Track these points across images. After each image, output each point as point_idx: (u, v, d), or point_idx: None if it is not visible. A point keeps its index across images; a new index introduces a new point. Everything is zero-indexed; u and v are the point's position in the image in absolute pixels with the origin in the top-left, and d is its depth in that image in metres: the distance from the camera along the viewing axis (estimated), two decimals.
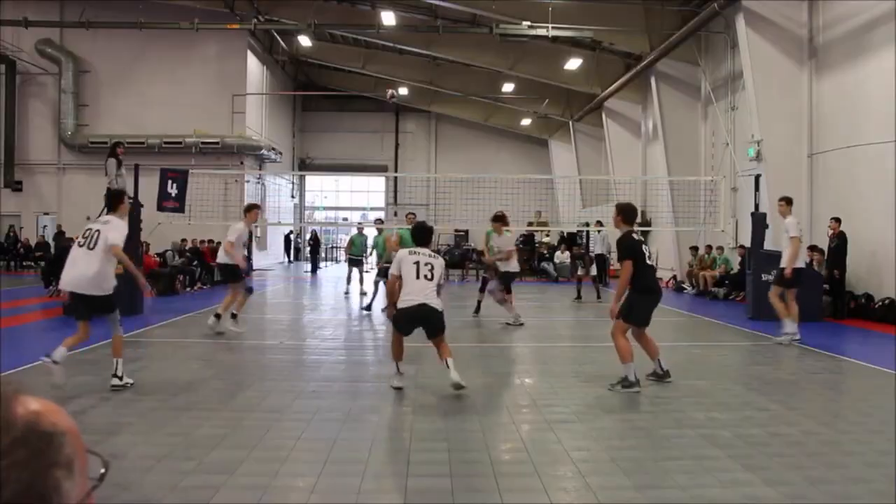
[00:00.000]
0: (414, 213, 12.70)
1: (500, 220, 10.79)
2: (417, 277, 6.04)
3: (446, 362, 6.01)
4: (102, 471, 0.79)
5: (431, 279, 6.08)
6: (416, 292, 6.00)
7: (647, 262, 6.27)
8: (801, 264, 9.23)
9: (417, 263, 6.08)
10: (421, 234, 6.53)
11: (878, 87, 11.86)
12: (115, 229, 6.24)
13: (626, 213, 6.43)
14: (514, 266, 10.75)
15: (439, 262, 6.25)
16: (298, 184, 32.57)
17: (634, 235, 6.32)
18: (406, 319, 6.10)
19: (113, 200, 6.61)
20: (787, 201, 9.29)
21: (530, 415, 5.52)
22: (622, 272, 6.18)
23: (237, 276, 9.63)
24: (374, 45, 25.64)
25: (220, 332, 9.28)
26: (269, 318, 12.59)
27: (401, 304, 6.07)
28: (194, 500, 3.61)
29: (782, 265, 9.06)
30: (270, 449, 4.45)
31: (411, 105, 31.87)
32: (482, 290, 11.74)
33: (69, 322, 10.53)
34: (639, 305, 6.23)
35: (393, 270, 6.22)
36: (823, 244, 12.56)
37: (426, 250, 6.33)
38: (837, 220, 12.10)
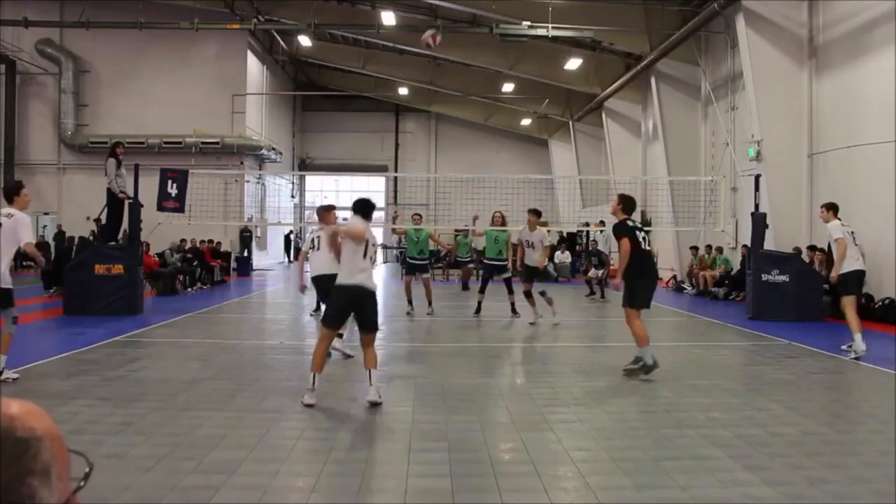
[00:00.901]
0: (420, 215, 12.60)
1: (536, 213, 10.67)
2: (364, 257, 5.61)
3: (369, 373, 5.59)
4: (87, 470, 0.77)
5: (374, 263, 5.75)
6: (358, 272, 5.57)
7: (643, 247, 6.66)
8: (856, 267, 8.33)
9: (367, 241, 5.64)
10: (365, 209, 5.84)
11: (878, 87, 11.86)
12: (23, 226, 6.37)
13: (626, 203, 6.81)
14: (534, 259, 10.67)
15: (378, 246, 5.92)
16: (298, 184, 32.58)
17: (629, 223, 6.76)
18: (345, 297, 5.58)
19: (10, 192, 6.55)
20: (827, 207, 8.67)
21: (530, 415, 5.52)
22: (621, 248, 6.56)
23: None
24: (374, 45, 25.65)
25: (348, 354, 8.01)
26: (269, 318, 12.59)
27: (340, 280, 5.61)
28: (194, 500, 3.61)
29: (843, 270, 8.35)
30: (270, 449, 4.45)
31: (411, 105, 31.89)
32: (482, 290, 11.76)
33: (69, 322, 10.56)
34: (638, 289, 6.62)
35: (359, 226, 5.69)
36: (823, 244, 12.56)
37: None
38: None
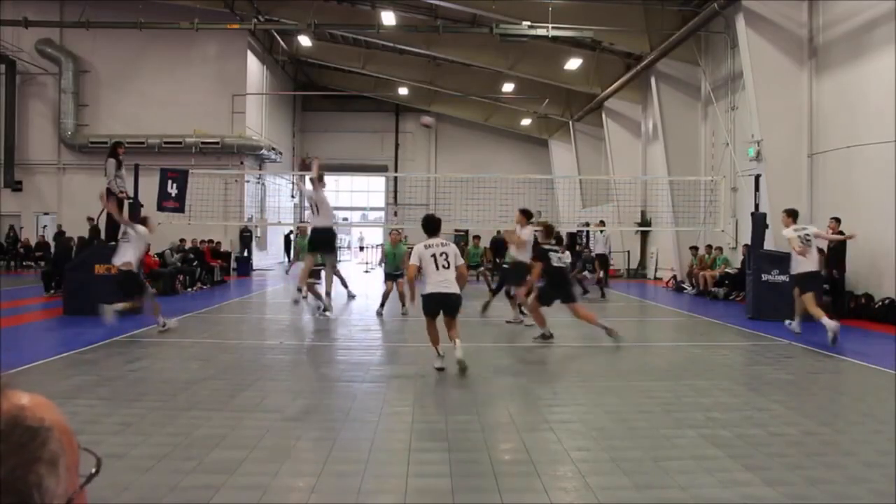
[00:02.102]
0: (398, 231, 12.76)
1: (523, 213, 10.73)
2: (437, 269, 6.86)
3: (454, 342, 6.82)
4: (93, 470, 0.77)
5: (448, 267, 6.87)
6: (439, 283, 6.88)
7: (556, 265, 9.04)
8: (810, 268, 9.41)
9: (434, 256, 6.84)
10: (429, 225, 7.18)
11: (878, 87, 11.87)
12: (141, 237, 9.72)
13: (547, 230, 9.65)
14: (523, 257, 10.48)
15: (452, 249, 6.96)
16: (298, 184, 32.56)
17: (545, 246, 9.23)
18: (433, 302, 6.96)
19: (139, 217, 10.24)
20: (787, 213, 9.81)
21: (530, 415, 5.52)
22: (534, 269, 9.41)
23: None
24: (374, 45, 25.65)
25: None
26: (269, 318, 12.59)
27: (427, 290, 6.97)
28: (194, 500, 3.61)
29: (793, 271, 9.76)
30: (270, 449, 4.45)
31: (411, 105, 31.89)
32: (496, 292, 11.87)
33: (69, 322, 10.57)
34: (544, 294, 9.12)
35: (412, 261, 7.02)
36: (823, 244, 12.56)
37: (437, 239, 7.01)
38: (837, 221, 12.11)
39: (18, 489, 0.67)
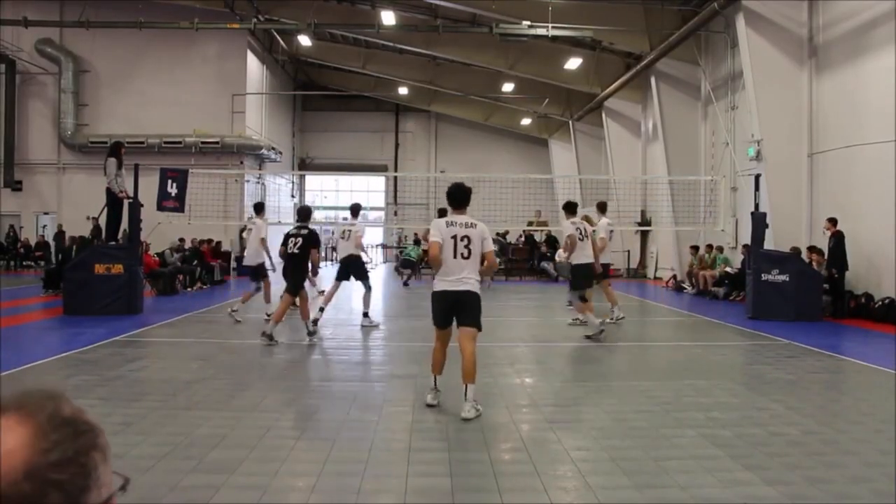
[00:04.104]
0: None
1: (566, 207, 10.20)
2: (454, 256, 5.37)
3: (465, 383, 5.28)
4: (122, 482, 0.90)
5: (468, 257, 5.37)
6: (453, 278, 5.39)
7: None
8: (585, 260, 9.99)
9: (455, 238, 5.38)
10: (456, 197, 5.60)
11: (878, 86, 11.86)
12: (259, 228, 11.23)
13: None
14: (583, 257, 9.57)
15: (478, 232, 5.42)
16: (298, 183, 32.56)
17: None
18: (442, 302, 5.46)
19: (258, 209, 11.45)
20: (598, 206, 11.69)
21: (530, 415, 5.52)
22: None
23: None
24: (374, 44, 25.65)
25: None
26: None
27: (436, 287, 5.49)
28: (194, 499, 3.61)
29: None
30: (270, 449, 4.45)
31: (411, 105, 31.88)
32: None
33: (69, 322, 10.57)
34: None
35: (433, 238, 5.47)
36: (822, 244, 12.57)
37: (464, 218, 5.49)
38: (832, 221, 12.15)
39: (83, 464, 0.79)
